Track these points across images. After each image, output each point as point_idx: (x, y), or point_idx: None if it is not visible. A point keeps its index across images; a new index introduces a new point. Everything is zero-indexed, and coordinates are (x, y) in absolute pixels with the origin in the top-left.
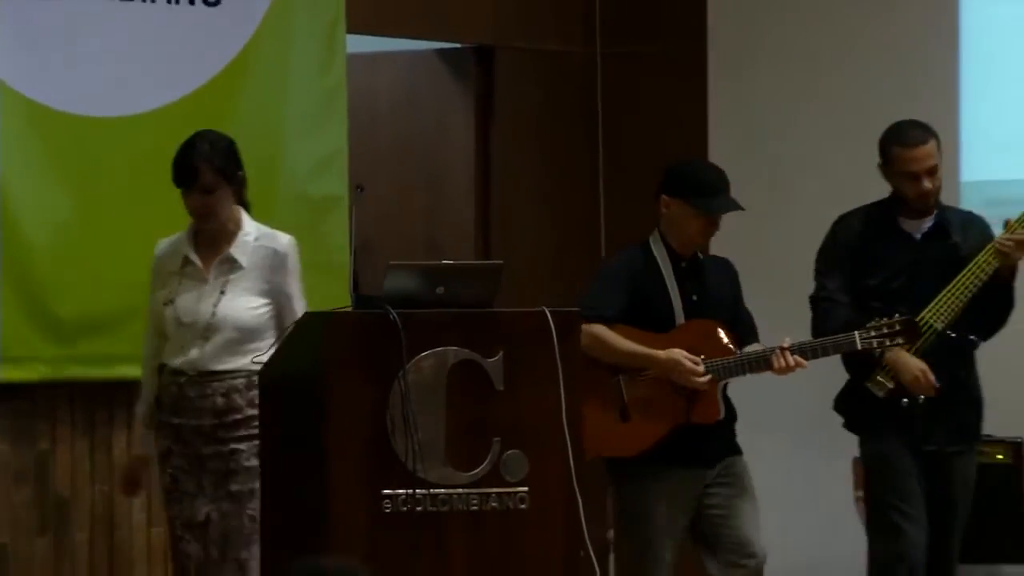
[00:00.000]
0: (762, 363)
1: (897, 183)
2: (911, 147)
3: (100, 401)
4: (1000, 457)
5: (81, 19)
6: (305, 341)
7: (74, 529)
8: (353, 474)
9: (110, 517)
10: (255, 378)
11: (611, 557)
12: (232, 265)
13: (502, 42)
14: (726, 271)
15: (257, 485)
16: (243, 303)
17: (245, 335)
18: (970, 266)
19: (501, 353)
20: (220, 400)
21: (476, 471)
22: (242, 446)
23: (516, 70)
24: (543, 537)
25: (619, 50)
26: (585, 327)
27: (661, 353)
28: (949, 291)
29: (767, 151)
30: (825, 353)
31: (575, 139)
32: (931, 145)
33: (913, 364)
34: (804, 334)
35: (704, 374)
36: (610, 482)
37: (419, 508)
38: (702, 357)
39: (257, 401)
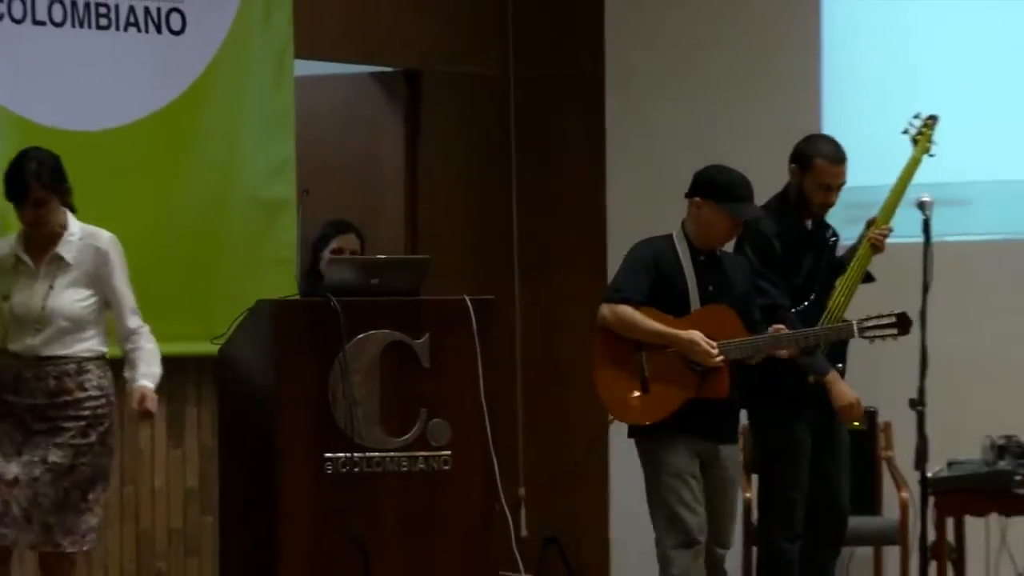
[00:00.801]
0: (770, 346)
1: (809, 189)
2: (835, 163)
3: None
4: (856, 425)
5: (65, 46)
6: (257, 325)
7: None
8: (299, 440)
9: None
10: (85, 364)
11: (523, 511)
12: (60, 263)
13: (428, 66)
14: (740, 268)
15: (80, 462)
16: (70, 296)
17: (75, 325)
18: (854, 261)
19: (427, 335)
20: (52, 383)
21: (406, 437)
22: (69, 424)
23: (440, 91)
24: (463, 494)
25: (530, 72)
26: (614, 307)
27: (683, 333)
28: (844, 284)
29: (660, 161)
30: (818, 342)
31: (492, 152)
32: (846, 164)
33: (849, 394)
34: None
35: (718, 354)
36: (635, 444)
37: (356, 469)
38: (716, 340)
39: (87, 385)
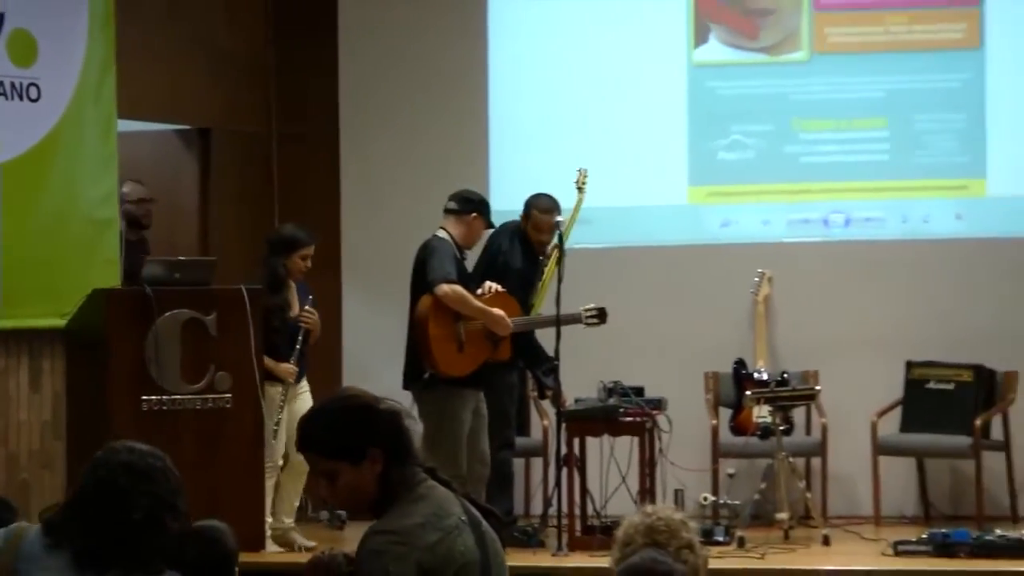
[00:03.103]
0: (530, 324)
1: (531, 231)
2: (547, 213)
3: None
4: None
5: None
6: (95, 306)
7: None
8: (124, 387)
9: None
10: None
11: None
12: None
13: (215, 125)
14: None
15: None
16: None
17: None
18: (547, 270)
19: (215, 313)
20: None
21: (199, 385)
22: None
23: (224, 145)
24: (240, 424)
25: (285, 130)
26: (452, 286)
27: (495, 311)
28: (542, 286)
29: (386, 203)
30: (562, 323)
31: (261, 192)
32: (556, 213)
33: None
34: None
35: (512, 328)
36: (422, 395)
37: (164, 408)
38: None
39: None
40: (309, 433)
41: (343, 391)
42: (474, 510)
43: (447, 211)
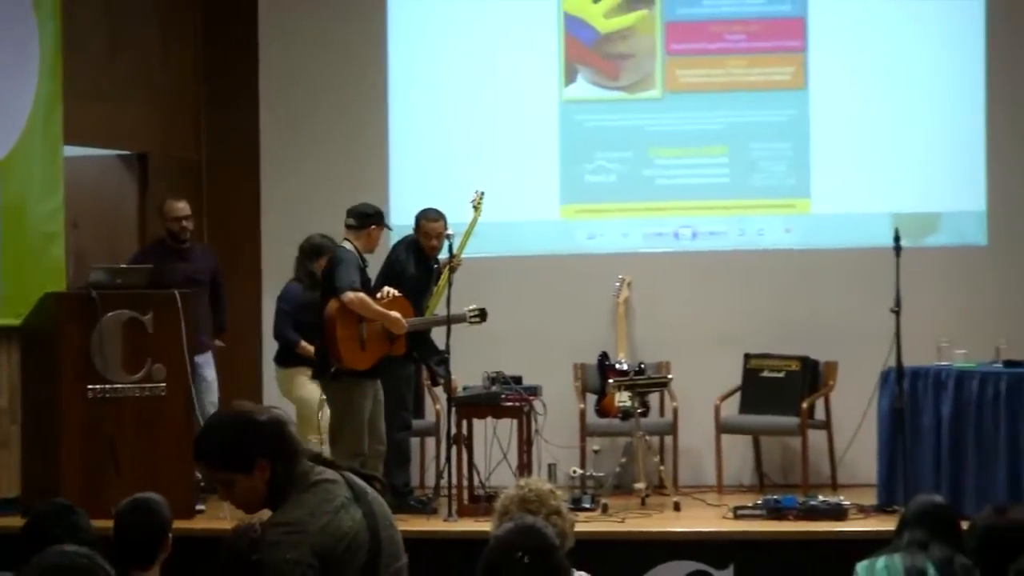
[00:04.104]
0: (425, 324)
1: (422, 239)
2: (434, 221)
3: None
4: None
5: None
6: (47, 308)
7: None
8: (73, 377)
9: None
10: None
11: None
12: None
13: (152, 151)
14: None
15: None
16: None
17: None
18: (442, 279)
19: (151, 313)
20: None
21: (138, 375)
22: None
23: (160, 169)
24: (173, 410)
25: (213, 155)
26: (350, 293)
27: (392, 314)
28: (437, 291)
29: (300, 219)
30: (451, 322)
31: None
32: (443, 222)
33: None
34: None
35: (407, 328)
36: (330, 385)
37: (108, 395)
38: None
39: None
40: (203, 449)
41: (232, 407)
42: (359, 481)
43: (348, 226)
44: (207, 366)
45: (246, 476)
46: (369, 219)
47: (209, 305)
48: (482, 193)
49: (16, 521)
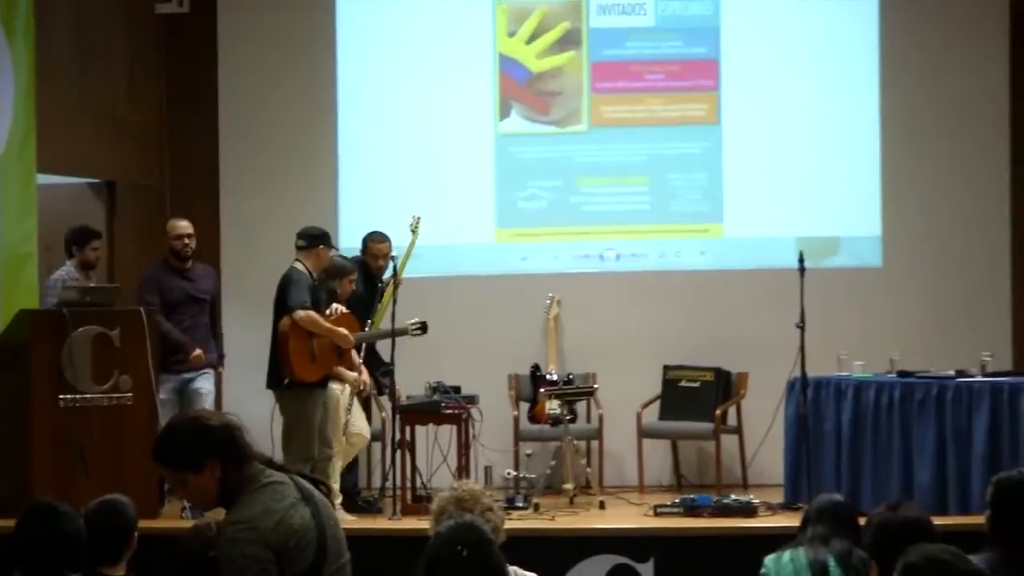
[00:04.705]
0: (372, 338)
1: (369, 259)
2: (380, 243)
3: None
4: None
5: None
6: (21, 324)
7: None
8: (45, 387)
9: None
10: None
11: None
12: None
13: (119, 179)
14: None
15: None
16: None
17: None
18: (386, 296)
19: (119, 328)
20: None
21: (106, 386)
22: None
23: (126, 196)
24: (138, 419)
25: (176, 183)
26: (301, 312)
27: (341, 330)
28: (381, 308)
29: (256, 243)
30: (395, 335)
31: (156, 233)
32: (388, 244)
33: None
34: None
35: (354, 343)
36: (283, 394)
37: (78, 404)
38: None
39: None
40: (158, 449)
41: (187, 413)
42: (307, 484)
43: (298, 247)
44: (202, 378)
45: (197, 475)
46: (317, 240)
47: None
48: (419, 218)
49: None
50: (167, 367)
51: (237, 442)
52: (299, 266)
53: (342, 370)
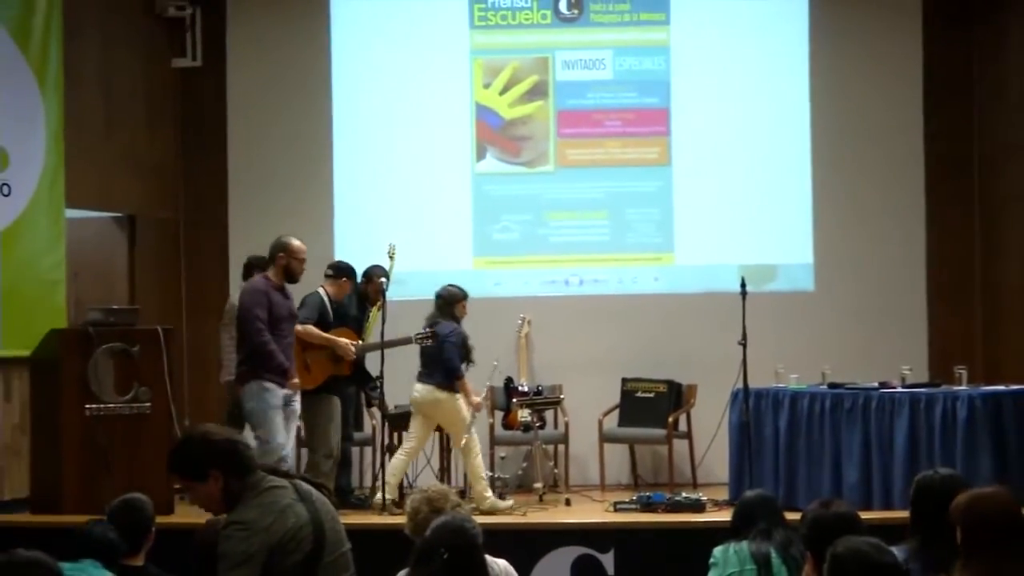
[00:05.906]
0: (376, 347)
1: (369, 289)
2: (379, 277)
3: None
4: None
5: None
6: (51, 342)
7: None
8: (73, 398)
9: None
10: None
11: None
12: None
13: (139, 213)
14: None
15: None
16: None
17: None
18: (372, 318)
19: (138, 346)
20: None
21: (127, 396)
22: None
23: (146, 229)
24: (157, 426)
25: (190, 217)
26: (299, 326)
27: (341, 340)
28: (368, 326)
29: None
30: (396, 344)
31: (172, 261)
32: (385, 279)
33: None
34: None
35: (354, 353)
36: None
37: (102, 413)
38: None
39: None
40: (169, 461)
41: (196, 428)
42: (306, 486)
43: (326, 276)
44: (295, 399)
45: (201, 484)
46: (343, 272)
47: None
48: (394, 245)
49: (26, 518)
50: (271, 379)
51: (239, 454)
52: (320, 291)
53: (469, 390)
